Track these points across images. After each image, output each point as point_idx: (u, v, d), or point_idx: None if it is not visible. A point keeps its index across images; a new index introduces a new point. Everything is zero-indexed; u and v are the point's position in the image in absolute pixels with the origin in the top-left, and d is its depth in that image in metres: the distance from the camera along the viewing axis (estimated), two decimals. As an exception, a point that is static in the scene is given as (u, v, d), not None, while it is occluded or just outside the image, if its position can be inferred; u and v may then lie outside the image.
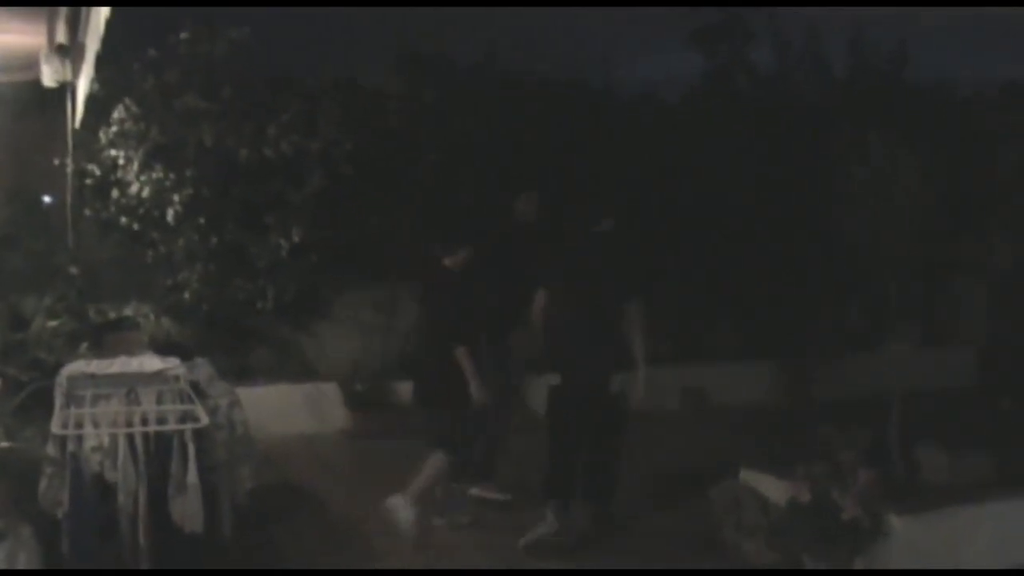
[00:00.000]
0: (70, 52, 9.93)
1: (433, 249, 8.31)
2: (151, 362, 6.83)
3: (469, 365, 7.81)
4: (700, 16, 13.51)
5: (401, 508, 7.77)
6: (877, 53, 13.61)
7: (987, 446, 7.69)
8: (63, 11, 9.21)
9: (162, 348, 8.19)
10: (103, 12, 7.21)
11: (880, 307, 9.11)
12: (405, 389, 11.48)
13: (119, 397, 6.48)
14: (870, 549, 6.66)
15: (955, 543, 6.85)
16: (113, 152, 11.37)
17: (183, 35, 11.28)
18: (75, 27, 9.46)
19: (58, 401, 6.53)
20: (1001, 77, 15.64)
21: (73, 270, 10.88)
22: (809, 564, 6.78)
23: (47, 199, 12.35)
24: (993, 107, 14.61)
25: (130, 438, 6.15)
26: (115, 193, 11.43)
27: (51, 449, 6.21)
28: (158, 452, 6.16)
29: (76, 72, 10.20)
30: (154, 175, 11.20)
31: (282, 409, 11.09)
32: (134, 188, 11.25)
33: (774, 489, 7.25)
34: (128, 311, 10.95)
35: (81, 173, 11.45)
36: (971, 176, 11.89)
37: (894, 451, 7.41)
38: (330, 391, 11.53)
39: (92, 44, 8.57)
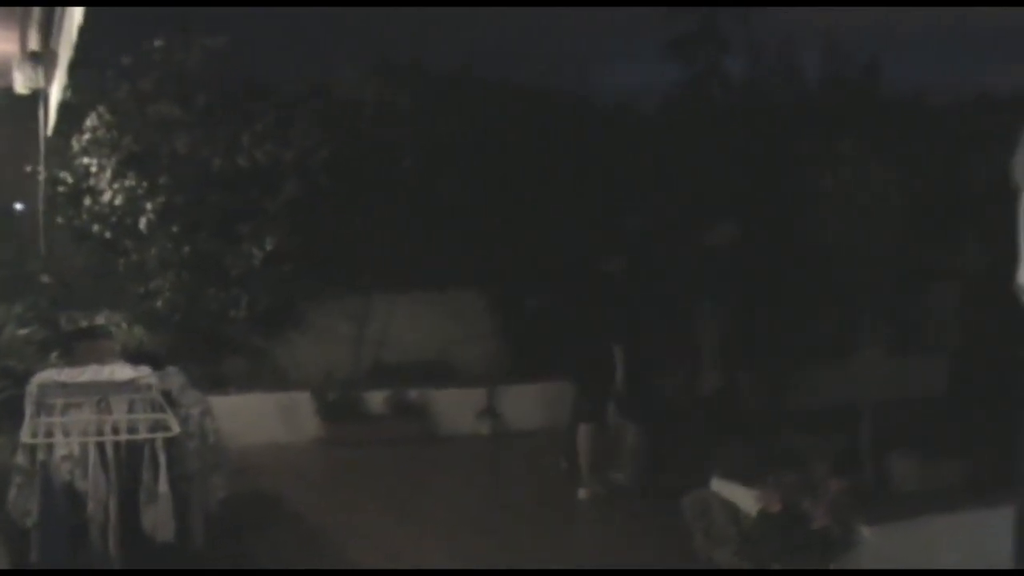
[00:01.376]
0: (43, 59, 9.90)
1: (597, 259, 9.48)
2: (122, 371, 6.79)
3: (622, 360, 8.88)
4: (676, 25, 13.57)
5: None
6: (851, 62, 13.70)
7: (958, 455, 7.72)
8: (36, 18, 9.19)
9: (134, 357, 8.14)
10: (76, 19, 7.19)
11: (852, 315, 9.15)
12: (378, 398, 11.55)
13: (90, 406, 6.44)
14: (840, 558, 6.67)
15: (926, 552, 6.87)
16: (86, 160, 11.35)
17: (157, 43, 11.26)
18: (48, 34, 9.44)
19: (28, 410, 6.49)
20: (974, 86, 15.76)
21: (45, 278, 10.85)
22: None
23: (19, 206, 12.31)
24: (966, 115, 14.69)
25: (101, 447, 6.13)
26: (88, 201, 11.40)
27: (21, 458, 6.17)
28: (129, 461, 6.14)
29: (49, 79, 10.17)
30: (127, 183, 11.18)
31: (255, 418, 11.05)
32: (107, 196, 11.23)
33: (745, 498, 7.26)
34: (100, 319, 10.91)
35: (53, 181, 11.42)
36: (943, 183, 11.95)
37: (865, 460, 7.43)
38: (303, 400, 11.50)
39: (65, 51, 8.55)
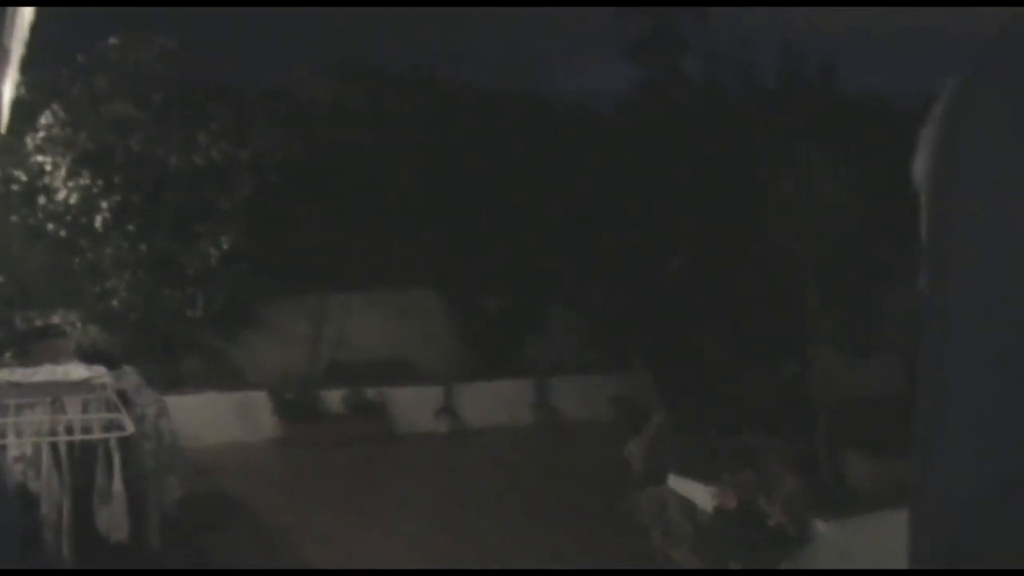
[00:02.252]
0: (-5, 56, 9.80)
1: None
2: (77, 371, 6.75)
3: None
4: (634, 26, 13.60)
5: (635, 454, 8.93)
6: (808, 64, 13.77)
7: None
8: (-13, 14, 9.09)
9: (89, 356, 8.09)
10: (28, 16, 7.13)
11: (808, 315, 9.20)
12: (335, 398, 11.53)
13: (44, 406, 6.39)
14: (796, 555, 6.72)
15: (881, 549, 6.92)
16: (40, 158, 11.26)
17: (112, 41, 11.19)
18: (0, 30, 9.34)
19: (-19, 410, 6.44)
20: (929, 89, 15.84)
21: (-1, 277, 10.76)
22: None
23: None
24: (921, 118, 14.78)
25: (54, 447, 6.08)
26: (42, 199, 11.31)
27: (-27, 459, 6.12)
28: (83, 462, 6.10)
29: (1, 76, 10.07)
30: (82, 182, 11.10)
31: (212, 418, 11.01)
32: (62, 195, 11.14)
33: (701, 496, 7.30)
34: (55, 319, 10.82)
35: (7, 179, 11.32)
36: (899, 184, 12.03)
37: (820, 458, 7.49)
38: (260, 400, 11.47)
39: (17, 47, 8.46)
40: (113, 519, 6.04)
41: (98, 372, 6.76)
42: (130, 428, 6.21)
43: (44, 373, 6.67)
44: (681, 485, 7.62)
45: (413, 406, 11.76)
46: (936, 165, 0.89)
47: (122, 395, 6.74)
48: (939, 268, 0.90)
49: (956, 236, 0.89)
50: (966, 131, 0.87)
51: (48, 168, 11.24)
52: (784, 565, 6.75)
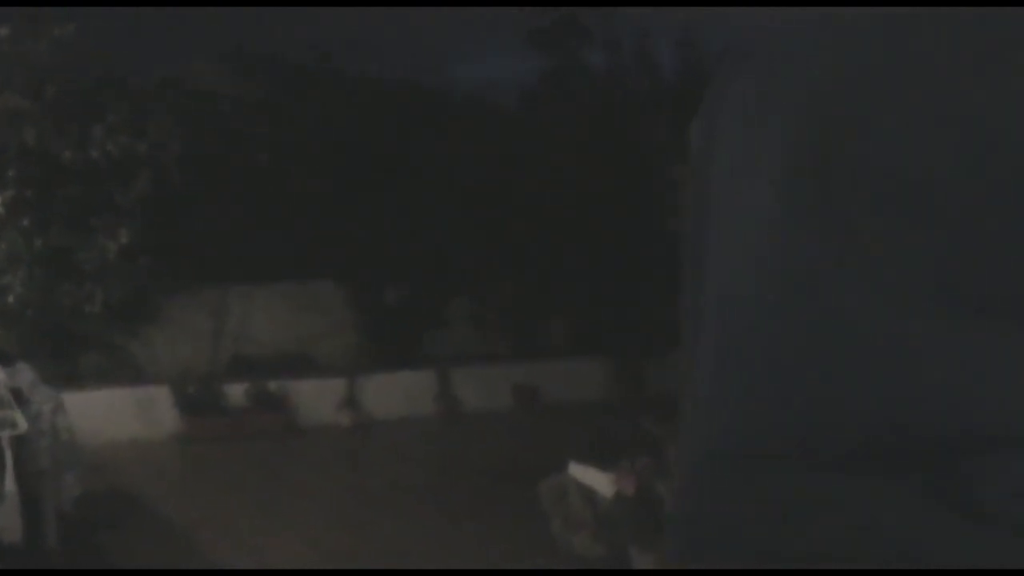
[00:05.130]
0: None
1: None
2: (-31, 369, 6.67)
3: None
4: (536, 16, 13.65)
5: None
6: (706, 54, 13.92)
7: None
8: None
9: (-18, 354, 7.99)
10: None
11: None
12: (237, 391, 11.47)
13: (-65, 405, 6.32)
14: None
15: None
16: (-71, 153, 11.05)
17: (3, 32, 11.00)
18: None
19: None
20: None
21: None
22: (635, 557, 6.93)
23: None
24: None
25: (-55, 447, 6.01)
26: (-67, 195, 11.11)
27: None
28: (-24, 461, 6.03)
29: None
30: (-26, 176, 10.92)
31: (112, 414, 10.89)
32: (-48, 190, 10.95)
33: (601, 482, 7.38)
34: (-52, 316, 10.65)
35: None
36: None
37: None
38: (161, 395, 11.36)
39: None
40: (5, 519, 5.98)
41: (-9, 370, 6.69)
42: (23, 426, 6.15)
43: (-65, 372, 6.58)
44: (581, 472, 7.70)
45: (315, 399, 11.74)
46: (699, 148, 0.97)
47: (16, 393, 6.68)
48: (696, 245, 0.97)
49: (705, 218, 0.96)
50: (723, 114, 0.94)
51: (-62, 162, 11.04)
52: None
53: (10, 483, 5.96)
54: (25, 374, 7.13)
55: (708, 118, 0.94)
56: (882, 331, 0.81)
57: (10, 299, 11.14)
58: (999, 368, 0.79)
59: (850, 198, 0.82)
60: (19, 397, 6.62)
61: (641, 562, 6.95)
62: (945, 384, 0.79)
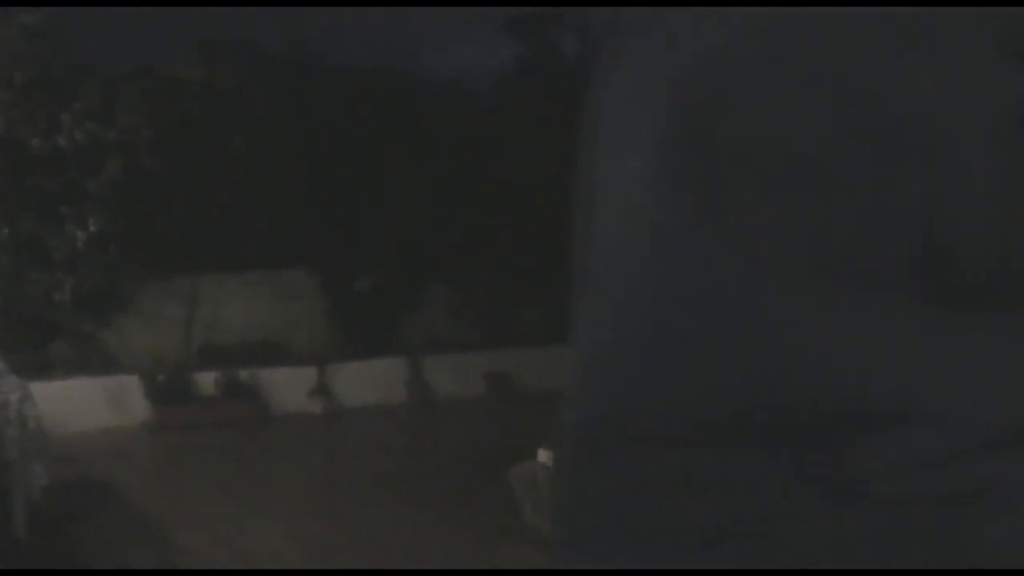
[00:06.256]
0: None
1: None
2: (-65, 358, 6.63)
3: None
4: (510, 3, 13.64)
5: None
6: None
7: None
8: None
9: (-50, 344, 7.95)
10: None
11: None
12: (208, 380, 11.44)
13: (-99, 395, 6.28)
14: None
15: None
16: (-103, 141, 10.96)
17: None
18: None
19: None
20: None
21: None
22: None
23: None
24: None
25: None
26: (-99, 183, 11.03)
27: None
28: (-58, 451, 5.99)
29: None
30: (-58, 165, 10.84)
31: (82, 403, 10.84)
32: (-80, 178, 10.87)
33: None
34: (-85, 306, 10.58)
35: None
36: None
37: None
38: (132, 384, 11.31)
39: None
40: (-28, 509, 5.95)
41: (-43, 360, 6.64)
42: (-10, 416, 6.12)
43: (-99, 362, 6.53)
44: (551, 458, 7.69)
45: (287, 387, 11.72)
46: (586, 121, 0.98)
47: (-16, 382, 6.63)
48: (582, 220, 0.97)
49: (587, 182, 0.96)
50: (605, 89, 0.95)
51: (-94, 150, 10.95)
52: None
53: (-24, 474, 5.94)
54: (-8, 363, 7.09)
55: (595, 91, 0.96)
56: (754, 304, 0.80)
57: (-22, 288, 11.08)
58: (872, 344, 0.79)
59: (725, 172, 0.82)
60: (-14, 387, 6.58)
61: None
62: (818, 359, 0.79)
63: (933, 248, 0.77)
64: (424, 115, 12.98)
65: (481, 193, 12.79)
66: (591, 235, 0.93)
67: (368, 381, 11.91)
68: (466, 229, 12.63)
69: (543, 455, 7.75)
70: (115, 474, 9.44)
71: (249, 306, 12.39)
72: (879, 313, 0.79)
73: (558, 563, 0.91)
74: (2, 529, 6.18)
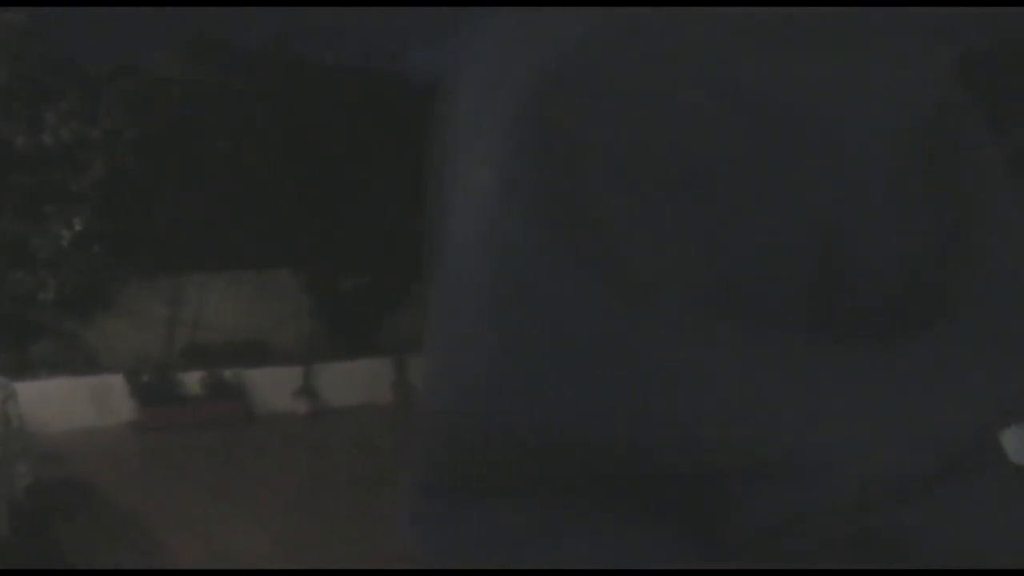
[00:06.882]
0: None
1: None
2: (-82, 358, 6.61)
3: None
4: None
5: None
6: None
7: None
8: None
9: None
10: None
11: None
12: (193, 380, 11.42)
13: None
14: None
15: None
16: None
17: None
18: None
19: None
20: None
21: None
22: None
23: None
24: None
25: None
26: None
27: None
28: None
29: None
30: (-75, 163, 10.81)
31: (65, 403, 10.82)
32: (-96, 176, 10.84)
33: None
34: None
35: None
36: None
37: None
38: (116, 383, 11.29)
39: None
40: (-45, 509, 5.93)
41: (-59, 359, 6.63)
42: (-27, 415, 6.10)
43: None
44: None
45: (272, 387, 11.71)
46: (440, 126, 0.90)
47: (-33, 382, 6.62)
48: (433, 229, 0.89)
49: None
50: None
51: None
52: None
53: (-41, 473, 5.93)
54: (-24, 363, 7.08)
55: (449, 94, 0.88)
56: (619, 341, 0.68)
57: (-38, 287, 11.05)
58: (760, 386, 0.68)
59: (583, 186, 0.71)
60: (-31, 386, 6.57)
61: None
62: (696, 404, 0.67)
63: (829, 269, 0.68)
64: (410, 114, 12.98)
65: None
66: (438, 260, 0.84)
67: (353, 381, 11.91)
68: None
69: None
70: (99, 473, 9.42)
71: (234, 306, 12.37)
72: (768, 348, 0.69)
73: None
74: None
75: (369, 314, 12.72)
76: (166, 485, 8.02)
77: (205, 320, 12.31)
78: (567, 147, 0.72)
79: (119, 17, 12.77)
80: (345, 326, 12.61)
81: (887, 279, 0.68)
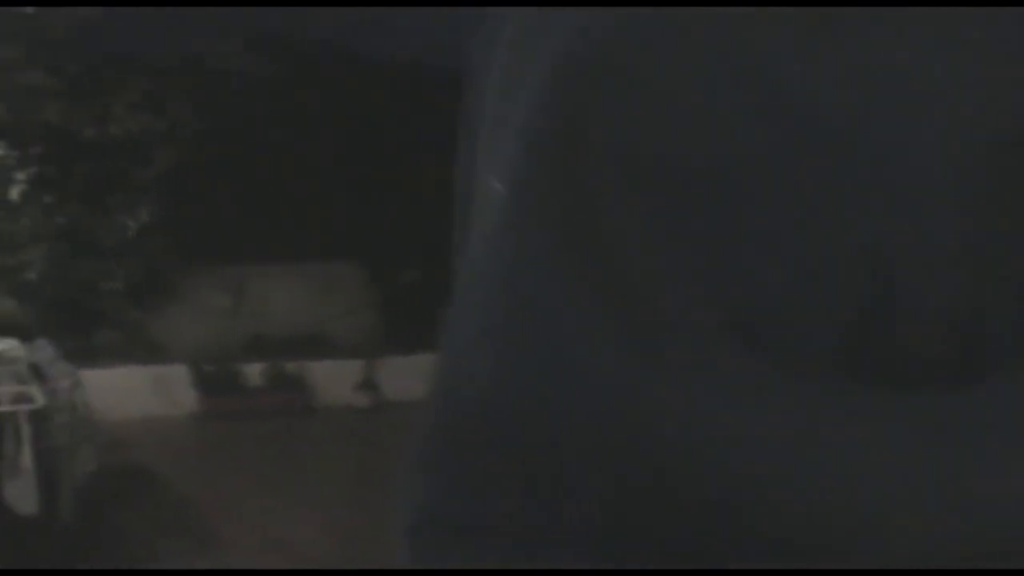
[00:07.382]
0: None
1: None
2: (-11, 343, 6.71)
3: None
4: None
5: None
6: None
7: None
8: None
9: (2, 329, 8.02)
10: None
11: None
12: (255, 371, 11.49)
13: (-46, 379, 6.36)
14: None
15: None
16: (-47, 130, 11.10)
17: (27, 9, 11.01)
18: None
19: None
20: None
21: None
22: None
23: None
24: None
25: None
26: (-44, 171, 11.16)
27: None
28: (-7, 434, 6.07)
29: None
30: (-4, 153, 10.97)
31: (130, 391, 10.91)
32: (-26, 165, 11.00)
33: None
34: (-32, 292, 10.70)
35: (-80, 151, 11.14)
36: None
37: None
38: (179, 373, 11.39)
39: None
40: (22, 492, 6.01)
41: (10, 345, 6.72)
42: (41, 401, 6.19)
43: (-45, 346, 6.62)
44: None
45: (332, 379, 11.74)
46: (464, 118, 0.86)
47: (35, 368, 6.70)
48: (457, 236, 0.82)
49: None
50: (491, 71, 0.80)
51: (-40, 139, 11.09)
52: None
53: (27, 458, 6.00)
54: (45, 350, 7.17)
55: (474, 84, 0.81)
56: (628, 381, 0.61)
57: (31, 275, 11.18)
58: (788, 442, 0.59)
59: (591, 193, 0.64)
60: (38, 373, 6.64)
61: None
62: (713, 460, 0.59)
63: (876, 307, 0.59)
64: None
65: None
66: (458, 274, 0.78)
67: (413, 375, 11.88)
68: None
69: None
70: (159, 462, 9.51)
71: (295, 298, 12.42)
72: (797, 396, 0.60)
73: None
74: (49, 512, 6.24)
75: (430, 308, 12.70)
76: (225, 475, 8.09)
77: (267, 311, 12.37)
78: (582, 153, 0.66)
79: (185, 10, 12.87)
80: (406, 320, 12.62)
81: (945, 325, 0.59)
